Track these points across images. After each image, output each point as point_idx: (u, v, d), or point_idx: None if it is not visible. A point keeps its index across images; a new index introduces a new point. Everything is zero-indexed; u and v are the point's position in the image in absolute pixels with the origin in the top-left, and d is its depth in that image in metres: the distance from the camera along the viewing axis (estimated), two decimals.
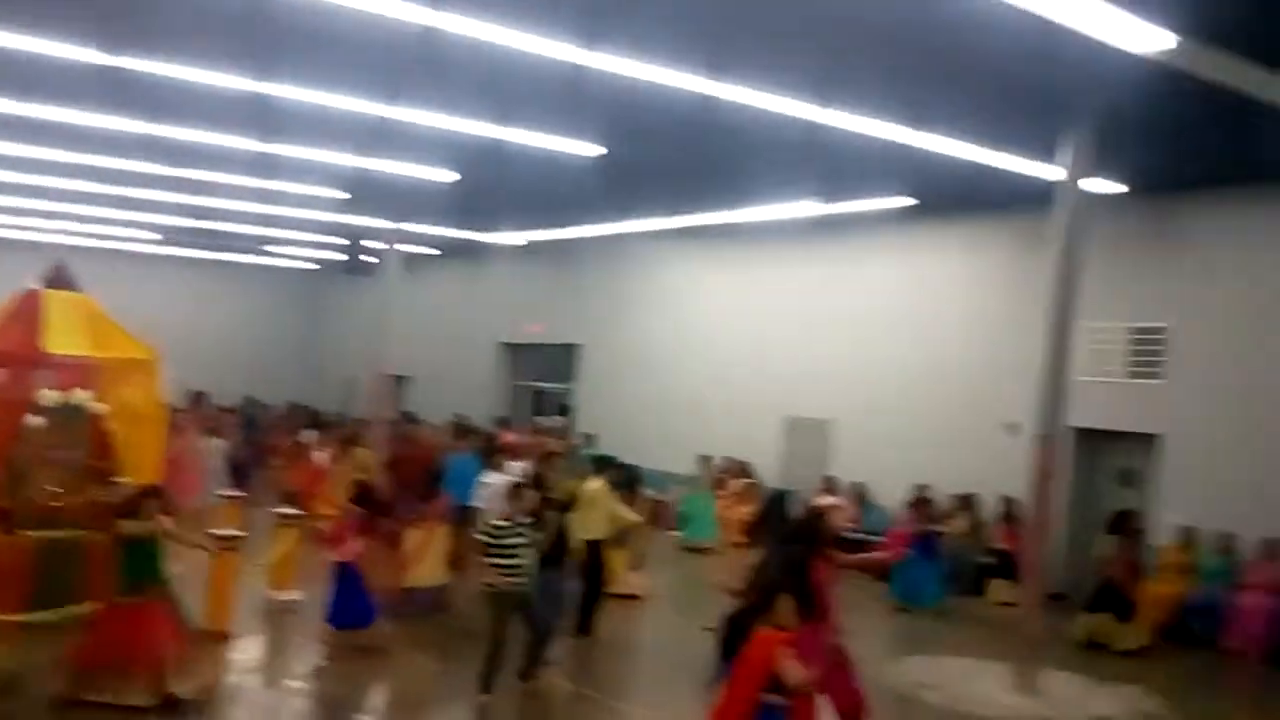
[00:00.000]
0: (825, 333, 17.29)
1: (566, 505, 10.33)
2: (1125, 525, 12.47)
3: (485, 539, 8.39)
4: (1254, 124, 9.47)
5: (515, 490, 8.77)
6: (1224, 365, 12.90)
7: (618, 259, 21.34)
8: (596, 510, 11.06)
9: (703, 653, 9.20)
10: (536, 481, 10.08)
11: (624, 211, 17.75)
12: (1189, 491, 13.05)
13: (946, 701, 9.42)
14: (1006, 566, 13.60)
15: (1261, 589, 11.89)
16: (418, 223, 20.26)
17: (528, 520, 8.59)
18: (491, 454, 13.20)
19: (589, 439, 19.79)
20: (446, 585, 11.16)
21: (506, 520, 8.42)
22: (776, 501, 10.91)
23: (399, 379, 24.32)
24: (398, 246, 21.20)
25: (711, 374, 19.02)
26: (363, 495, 10.23)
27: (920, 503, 14.55)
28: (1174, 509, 13.19)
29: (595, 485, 11.31)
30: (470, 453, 14.36)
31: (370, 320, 21.67)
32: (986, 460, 14.47)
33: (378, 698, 8.92)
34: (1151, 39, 7.30)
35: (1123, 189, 12.78)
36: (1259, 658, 11.55)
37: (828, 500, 14.58)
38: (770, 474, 17.30)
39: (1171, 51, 7.45)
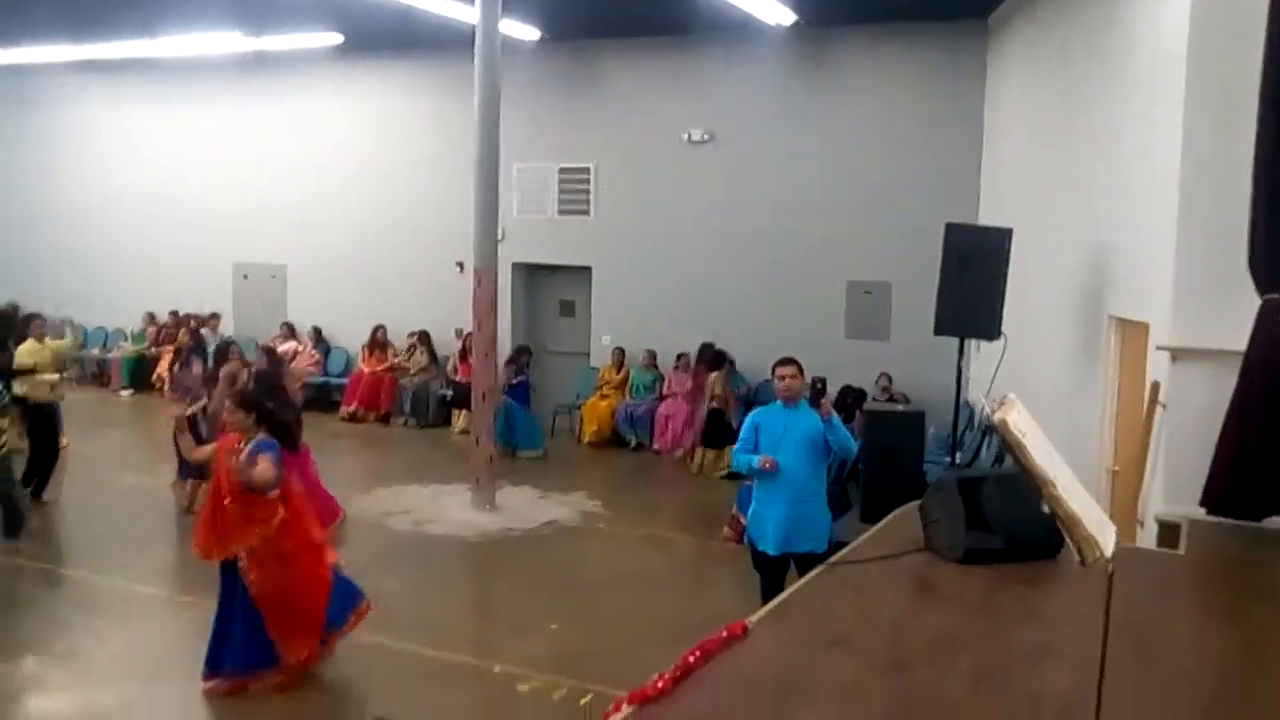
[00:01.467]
0: (274, 176, 16.71)
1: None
2: (724, 360, 13.42)
3: None
4: None
5: None
6: (641, 201, 14.44)
7: (17, 93, 18.71)
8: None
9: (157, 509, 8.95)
10: None
11: (12, 38, 15.32)
12: (617, 316, 14.65)
13: (414, 525, 10.00)
14: (465, 397, 14.43)
15: (677, 396, 13.79)
16: None
17: None
18: None
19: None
20: None
21: None
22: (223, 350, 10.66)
23: None
24: None
25: (155, 223, 17.67)
26: None
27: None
28: (607, 332, 14.75)
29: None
30: None
31: None
32: (441, 297, 15.07)
33: None
34: None
35: (540, 35, 13.57)
36: (681, 453, 13.46)
37: (288, 345, 14.54)
38: (225, 324, 16.69)
39: None
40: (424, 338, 15.63)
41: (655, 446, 13.73)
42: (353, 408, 15.46)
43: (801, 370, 6.44)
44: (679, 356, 14.01)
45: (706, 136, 14.06)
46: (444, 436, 14.62)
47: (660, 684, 3.20)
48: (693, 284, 14.17)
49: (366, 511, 10.34)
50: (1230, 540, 5.34)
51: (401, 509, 10.52)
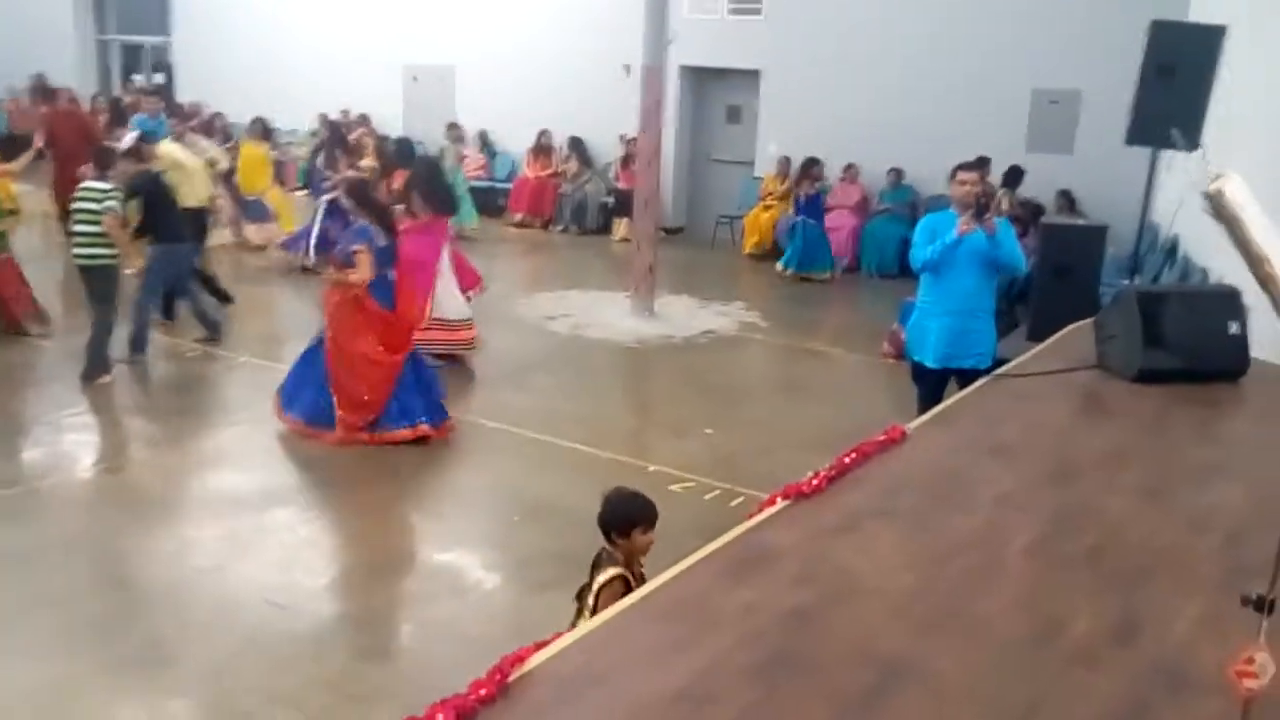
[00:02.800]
0: None
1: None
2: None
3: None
4: None
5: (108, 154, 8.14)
6: (815, 1, 13.77)
7: None
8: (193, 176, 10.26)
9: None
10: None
11: None
12: (786, 124, 14.23)
13: (574, 329, 10.20)
14: (626, 205, 14.43)
15: (845, 209, 13.46)
16: None
17: (111, 187, 7.74)
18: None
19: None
20: None
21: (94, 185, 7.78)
22: (404, 145, 10.90)
23: None
24: None
25: (326, 24, 17.89)
26: None
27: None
28: (773, 141, 14.38)
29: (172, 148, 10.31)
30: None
31: None
32: (605, 102, 14.88)
33: None
34: None
35: None
36: (844, 269, 13.23)
37: (459, 148, 14.69)
38: (394, 126, 16.95)
39: None
40: (575, 143, 15.56)
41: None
42: (519, 214, 15.66)
43: (984, 178, 6.10)
44: (847, 167, 13.59)
45: None
46: (605, 244, 14.71)
47: (816, 481, 3.21)
48: (865, 91, 13.57)
49: (529, 314, 10.58)
50: None
51: (563, 313, 10.72)
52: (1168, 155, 7.95)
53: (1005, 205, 10.87)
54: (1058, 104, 12.56)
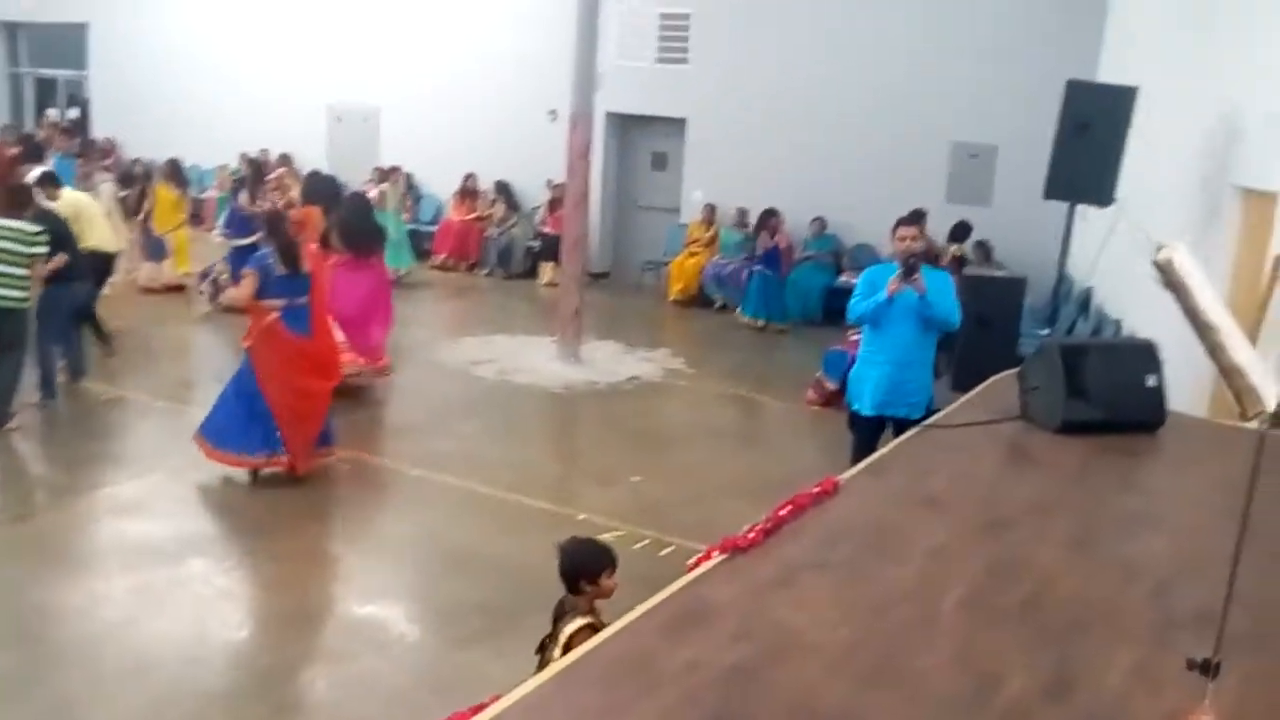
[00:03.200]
0: (368, 14, 16.52)
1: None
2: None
3: None
4: None
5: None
6: (740, 52, 13.98)
7: None
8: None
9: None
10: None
11: None
12: (710, 172, 14.38)
13: (499, 374, 10.12)
14: (553, 249, 14.42)
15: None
16: None
17: (40, 229, 7.53)
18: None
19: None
20: None
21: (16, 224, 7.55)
22: (322, 181, 10.83)
23: None
24: None
25: (249, 63, 17.67)
26: None
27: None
28: (698, 188, 14.52)
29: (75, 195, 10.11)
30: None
31: None
32: (530, 146, 14.90)
33: None
34: None
35: None
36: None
37: (375, 189, 14.59)
38: (318, 167, 16.74)
39: None
40: (502, 187, 15.56)
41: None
42: (443, 256, 15.56)
43: (923, 231, 6.22)
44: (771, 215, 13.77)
45: None
46: (530, 288, 14.67)
47: (751, 534, 3.19)
48: (789, 141, 13.79)
49: (454, 359, 10.48)
50: None
51: (488, 358, 10.63)
52: (1082, 208, 8.17)
53: (949, 258, 11.06)
54: (977, 158, 12.89)
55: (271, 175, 14.43)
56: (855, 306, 6.23)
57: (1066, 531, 3.49)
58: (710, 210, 14.22)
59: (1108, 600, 2.99)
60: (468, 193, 15.74)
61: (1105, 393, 4.70)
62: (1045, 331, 8.72)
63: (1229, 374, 1.79)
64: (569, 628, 3.37)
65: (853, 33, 13.33)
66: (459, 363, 10.39)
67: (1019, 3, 12.41)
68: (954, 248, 11.75)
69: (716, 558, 3.06)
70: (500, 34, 15.37)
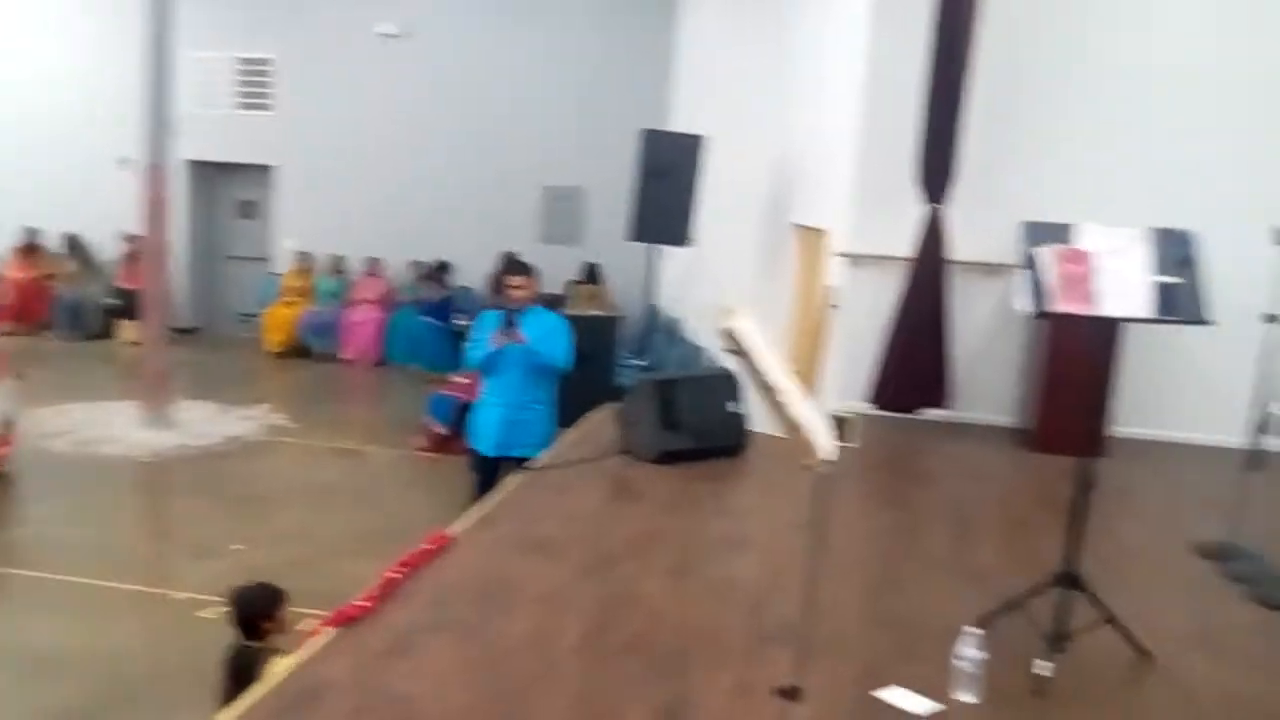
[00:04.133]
0: None
1: None
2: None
3: None
4: None
5: None
6: (327, 97, 13.70)
7: None
8: None
9: None
10: None
11: None
12: (302, 219, 13.94)
13: (78, 446, 9.19)
14: (132, 306, 13.33)
15: (366, 303, 13.38)
16: None
17: None
18: None
19: None
20: None
21: None
22: None
23: None
24: None
25: None
26: None
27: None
28: (290, 236, 14.01)
29: None
30: None
31: None
32: (103, 198, 13.72)
33: None
34: None
35: None
36: (369, 363, 13.10)
37: None
38: None
39: None
40: (71, 241, 14.25)
41: (344, 356, 13.27)
42: (3, 324, 13.90)
43: (531, 278, 6.34)
44: (370, 261, 13.57)
45: (400, 32, 13.49)
46: (108, 349, 13.47)
47: (363, 602, 3.11)
48: (385, 186, 13.65)
49: (23, 435, 9.39)
50: (893, 432, 5.83)
51: (63, 429, 9.63)
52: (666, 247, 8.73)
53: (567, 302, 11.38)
54: (566, 200, 13.40)
55: None
56: (471, 353, 6.30)
57: (670, 562, 3.69)
58: (305, 258, 13.78)
59: (709, 624, 3.19)
60: (30, 248, 14.21)
61: (695, 421, 5.05)
62: (638, 362, 9.21)
63: (789, 428, 1.97)
64: (278, 669, 3.13)
65: (447, 77, 13.45)
66: (29, 437, 9.32)
67: (598, 52, 13.08)
68: (587, 289, 12.24)
69: (327, 632, 2.96)
70: (68, 79, 14.03)
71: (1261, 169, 5.75)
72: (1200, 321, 3.29)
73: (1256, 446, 4.94)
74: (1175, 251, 3.30)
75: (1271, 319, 4.17)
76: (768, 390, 1.92)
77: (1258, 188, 5.64)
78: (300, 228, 13.92)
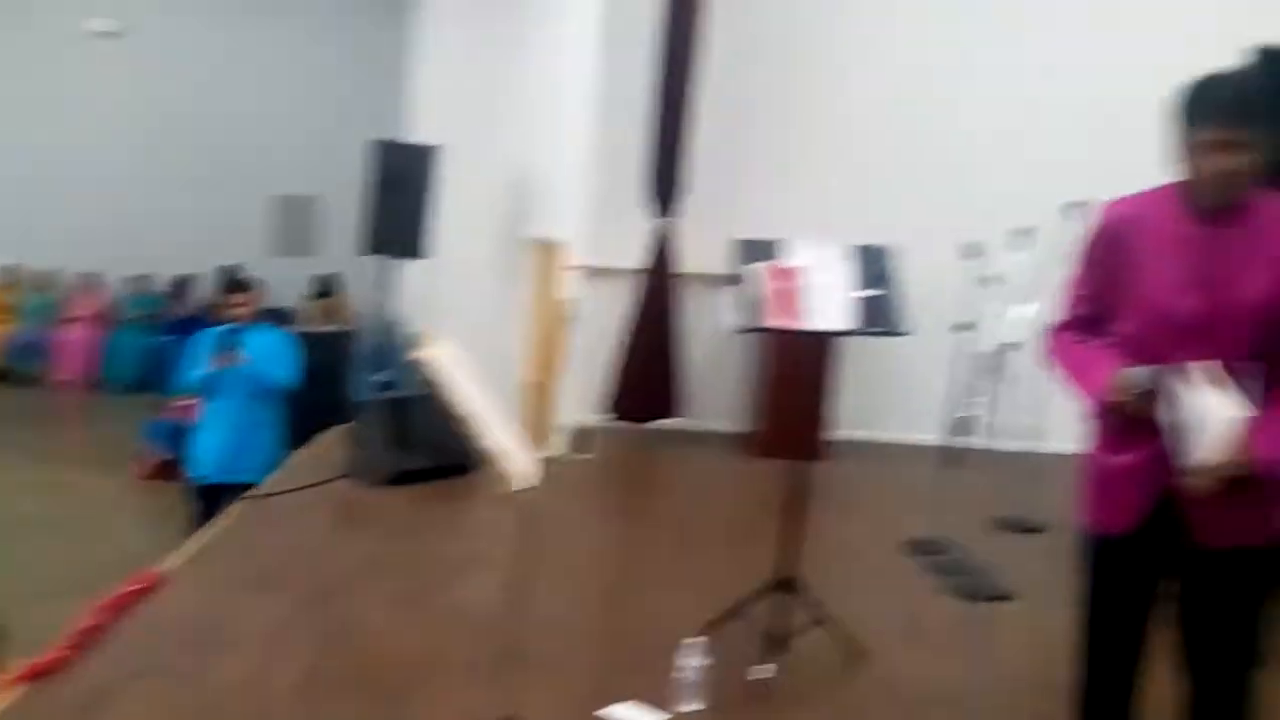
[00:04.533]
0: None
1: None
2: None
3: None
4: None
5: None
6: (27, 99, 12.67)
7: None
8: None
9: None
10: None
11: None
12: (6, 231, 12.80)
13: None
14: None
15: (81, 321, 12.42)
16: None
17: None
18: None
19: None
20: None
21: None
22: None
23: None
24: None
25: None
26: None
27: None
28: None
29: None
30: None
31: None
32: None
33: None
34: None
35: None
36: (84, 385, 12.15)
37: None
38: None
39: None
40: None
41: (57, 377, 12.26)
42: None
43: (252, 294, 6.01)
44: (85, 276, 12.60)
45: (113, 29, 12.62)
46: None
47: (60, 653, 2.86)
48: (99, 198, 12.69)
49: None
50: (628, 442, 5.93)
51: None
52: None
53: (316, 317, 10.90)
54: (300, 210, 12.90)
55: None
56: (188, 376, 5.90)
57: (397, 589, 3.59)
58: (9, 273, 12.66)
59: (434, 653, 3.12)
60: None
61: (428, 440, 4.95)
62: (376, 378, 8.94)
63: (489, 458, 1.95)
64: None
65: (166, 78, 12.66)
66: None
67: (331, 56, 12.64)
68: (318, 304, 11.74)
69: (18, 690, 2.71)
70: None
71: (950, 191, 6.20)
72: (898, 332, 3.51)
73: (952, 445, 5.35)
74: (874, 266, 3.51)
75: (960, 328, 4.51)
76: (467, 419, 1.89)
77: (948, 207, 6.08)
78: (4, 240, 12.78)
